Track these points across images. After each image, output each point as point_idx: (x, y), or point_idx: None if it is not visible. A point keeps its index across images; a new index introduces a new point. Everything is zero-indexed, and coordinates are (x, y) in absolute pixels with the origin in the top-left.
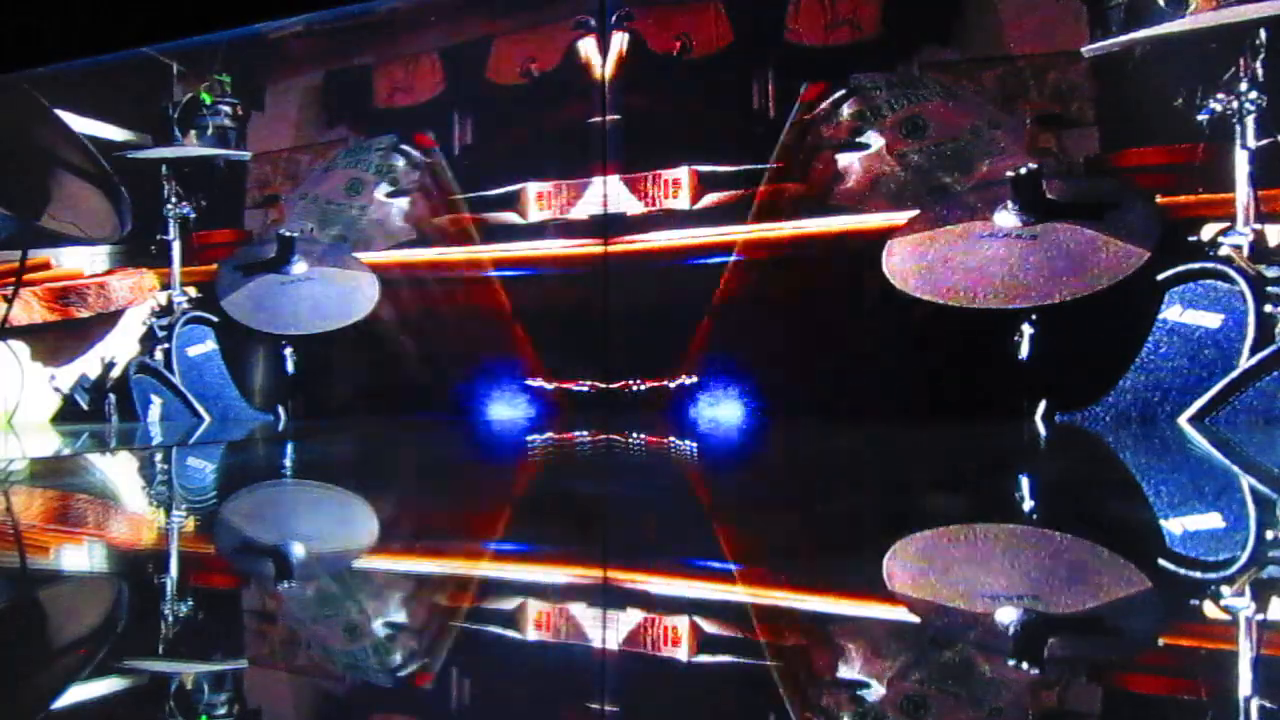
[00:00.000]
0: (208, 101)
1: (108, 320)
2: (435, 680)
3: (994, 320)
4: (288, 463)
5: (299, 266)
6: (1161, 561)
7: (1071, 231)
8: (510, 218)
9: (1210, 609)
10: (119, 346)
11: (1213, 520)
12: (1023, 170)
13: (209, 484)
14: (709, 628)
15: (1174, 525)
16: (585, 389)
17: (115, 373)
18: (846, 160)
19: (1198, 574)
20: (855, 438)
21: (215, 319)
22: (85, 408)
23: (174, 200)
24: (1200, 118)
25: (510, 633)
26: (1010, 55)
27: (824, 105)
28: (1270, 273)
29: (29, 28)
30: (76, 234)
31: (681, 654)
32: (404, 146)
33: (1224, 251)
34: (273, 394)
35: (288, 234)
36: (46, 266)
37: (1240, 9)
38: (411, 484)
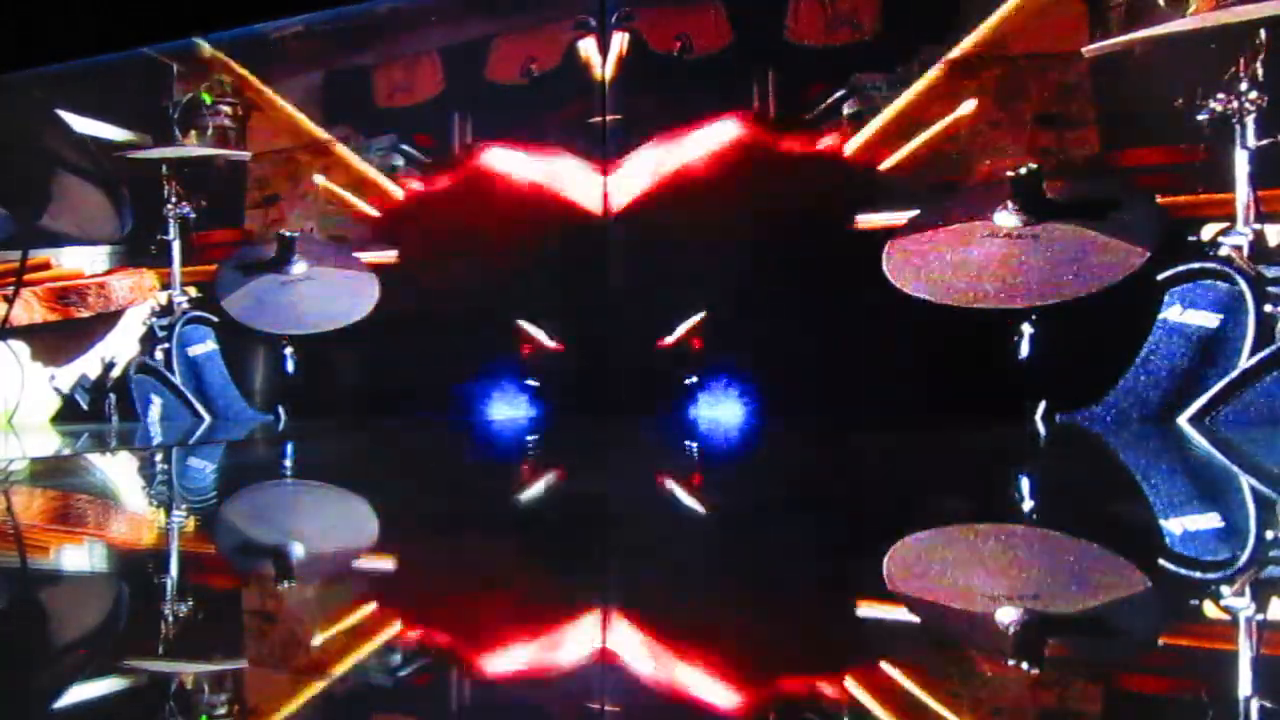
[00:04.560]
0: (208, 101)
1: (108, 320)
2: (433, 680)
3: (994, 320)
4: (288, 463)
5: (299, 266)
6: (1161, 561)
7: (1071, 231)
8: None
9: (1210, 609)
10: (119, 346)
11: (1212, 520)
12: (1023, 170)
13: (209, 484)
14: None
15: (1174, 525)
16: (584, 389)
17: (115, 373)
18: None
19: (1197, 574)
20: (853, 438)
21: (216, 319)
22: (85, 408)
23: (174, 200)
24: (1200, 118)
25: (510, 633)
26: (1010, 55)
27: (824, 105)
28: (1270, 273)
29: (29, 28)
30: (76, 234)
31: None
32: (404, 146)
33: (1224, 251)
34: (273, 394)
35: (288, 234)
36: (46, 266)
37: (1240, 9)
38: (410, 484)
